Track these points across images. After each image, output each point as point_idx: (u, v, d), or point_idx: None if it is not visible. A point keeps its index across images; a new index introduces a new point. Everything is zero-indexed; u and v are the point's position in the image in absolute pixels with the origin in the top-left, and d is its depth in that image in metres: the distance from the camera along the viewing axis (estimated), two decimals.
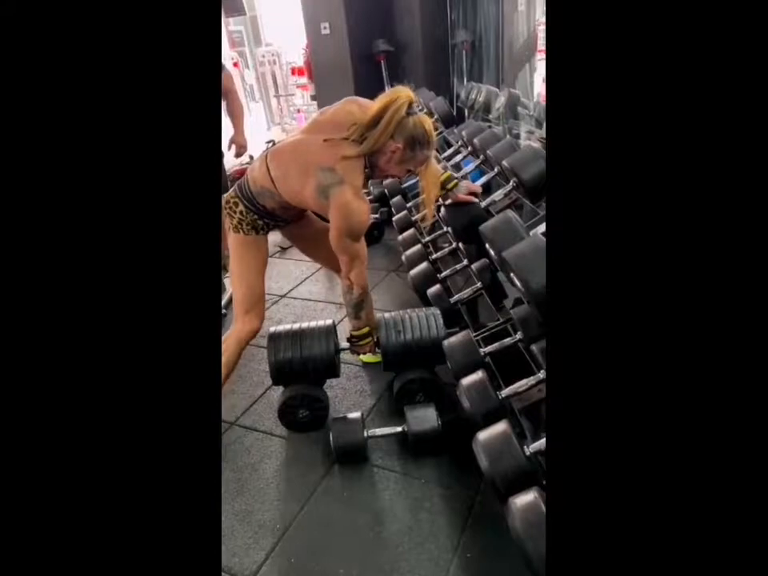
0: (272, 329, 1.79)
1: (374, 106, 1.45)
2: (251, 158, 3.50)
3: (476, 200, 1.70)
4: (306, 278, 2.92)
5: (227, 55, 7.99)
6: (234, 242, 1.63)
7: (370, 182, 3.36)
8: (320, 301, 2.66)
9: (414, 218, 2.79)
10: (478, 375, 1.38)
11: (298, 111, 6.63)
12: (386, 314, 1.78)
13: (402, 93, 1.43)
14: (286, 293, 2.76)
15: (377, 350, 2.03)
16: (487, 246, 1.42)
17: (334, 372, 1.78)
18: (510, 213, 1.37)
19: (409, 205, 2.95)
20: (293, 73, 7.74)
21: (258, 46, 9.19)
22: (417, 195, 3.10)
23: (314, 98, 4.76)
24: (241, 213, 1.58)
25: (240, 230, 1.60)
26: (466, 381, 1.38)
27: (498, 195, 1.72)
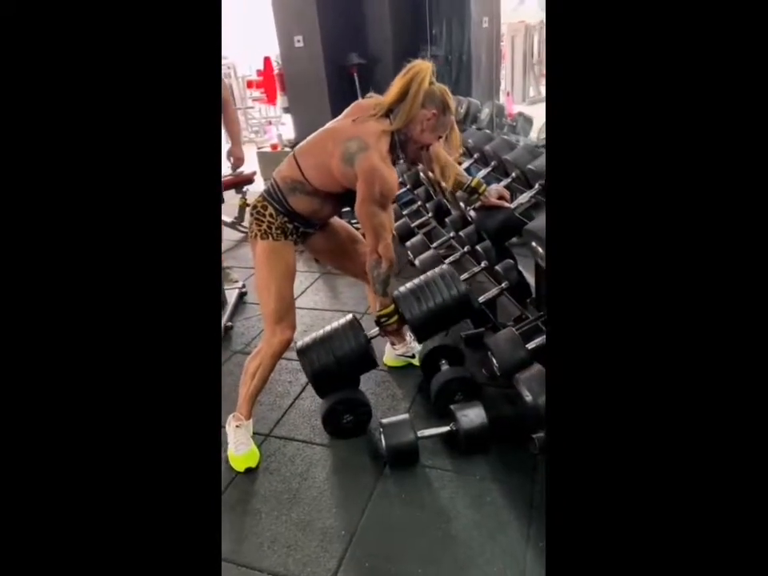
0: (298, 344, 1.76)
1: (395, 83, 1.51)
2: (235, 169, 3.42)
3: (508, 204, 1.77)
4: (306, 288, 2.89)
5: None
6: (261, 251, 1.61)
7: None
8: (327, 310, 2.64)
9: (413, 225, 2.84)
10: (536, 368, 1.43)
11: (269, 123, 6.55)
12: (402, 288, 1.72)
13: (423, 65, 1.49)
14: None
15: (404, 357, 2.05)
16: (534, 244, 1.48)
17: (371, 362, 1.75)
18: None
19: (405, 212, 3.00)
20: (249, 86, 7.68)
21: None
22: (409, 203, 3.16)
23: (286, 110, 4.73)
24: (270, 215, 1.57)
25: (269, 236, 1.58)
26: (524, 375, 1.43)
27: (524, 198, 1.79)
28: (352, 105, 1.61)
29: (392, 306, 1.69)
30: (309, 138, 1.61)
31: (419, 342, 1.79)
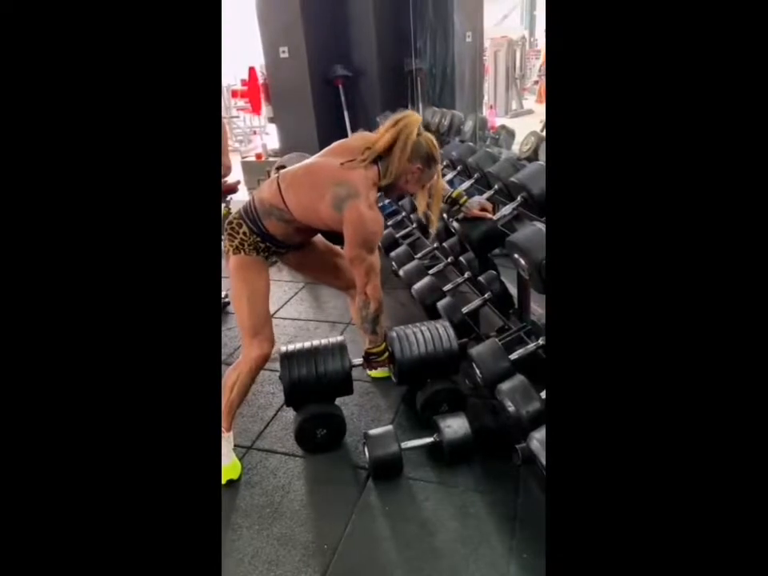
0: (283, 347, 1.75)
1: (385, 133, 1.53)
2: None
3: (490, 215, 1.79)
4: (290, 298, 2.88)
5: None
6: (234, 265, 1.60)
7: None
8: (311, 320, 2.63)
9: (398, 235, 2.85)
10: (518, 378, 1.43)
11: (254, 133, 6.55)
12: (397, 328, 1.79)
13: (411, 117, 1.52)
14: (274, 313, 2.70)
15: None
16: (516, 255, 1.49)
17: (348, 389, 1.77)
18: (539, 225, 1.46)
19: (390, 223, 3.02)
20: (233, 95, 7.69)
21: None
22: (393, 213, 3.18)
23: (271, 120, 4.73)
24: (244, 233, 1.56)
25: (241, 251, 1.57)
26: (506, 385, 1.44)
27: (506, 210, 1.81)
28: (339, 143, 1.63)
29: (382, 345, 1.72)
30: (295, 167, 1.60)
31: (399, 383, 1.80)
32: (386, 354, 1.74)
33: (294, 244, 1.67)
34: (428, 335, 1.76)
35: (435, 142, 1.57)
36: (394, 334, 1.75)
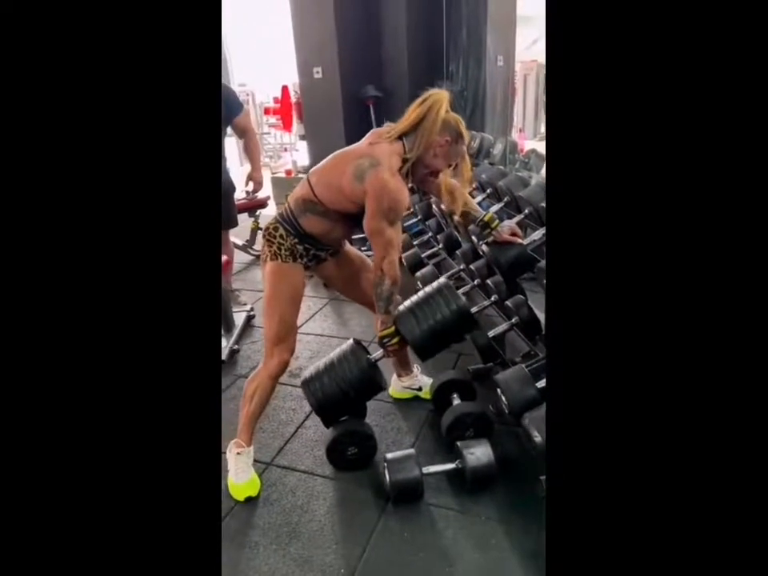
0: (302, 375, 1.74)
1: (411, 110, 1.54)
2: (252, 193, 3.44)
3: (521, 240, 1.77)
4: (315, 313, 2.89)
5: None
6: (270, 271, 1.62)
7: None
8: (334, 336, 2.63)
9: (424, 255, 2.85)
10: (545, 408, 1.40)
11: (285, 149, 6.69)
12: (401, 307, 1.68)
13: (440, 94, 1.53)
14: (298, 328, 2.71)
15: (410, 389, 2.03)
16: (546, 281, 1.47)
17: (377, 387, 1.71)
18: None
19: (416, 243, 3.02)
20: (266, 113, 7.88)
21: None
22: (420, 233, 3.18)
23: (302, 137, 4.82)
24: (281, 236, 1.58)
25: (278, 257, 1.59)
26: (534, 415, 1.40)
27: (537, 235, 1.80)
28: (369, 133, 1.65)
29: (392, 328, 1.65)
30: (324, 160, 1.63)
31: (423, 360, 1.74)
32: (398, 337, 1.64)
33: (333, 242, 1.67)
34: (432, 303, 1.63)
35: (462, 121, 1.58)
36: (399, 315, 1.64)
